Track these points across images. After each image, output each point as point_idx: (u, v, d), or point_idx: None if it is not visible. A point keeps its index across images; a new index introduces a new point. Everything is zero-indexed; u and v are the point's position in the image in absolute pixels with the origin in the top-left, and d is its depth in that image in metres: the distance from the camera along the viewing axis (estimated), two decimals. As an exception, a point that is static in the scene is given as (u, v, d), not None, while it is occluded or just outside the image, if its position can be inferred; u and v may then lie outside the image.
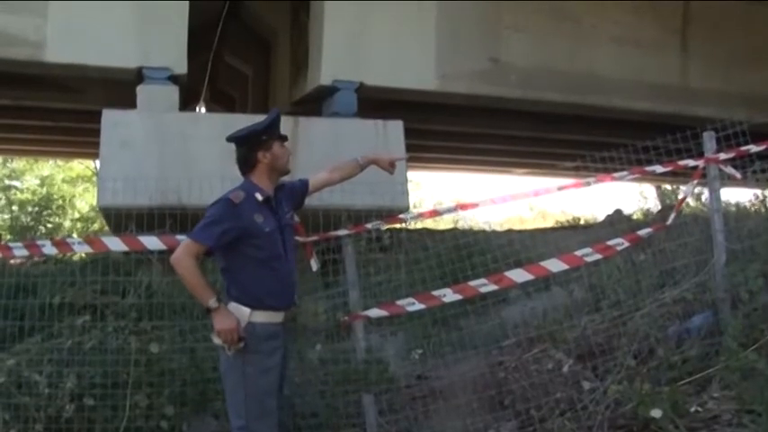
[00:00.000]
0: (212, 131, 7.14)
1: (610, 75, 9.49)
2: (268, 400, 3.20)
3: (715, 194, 4.63)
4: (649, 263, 4.94)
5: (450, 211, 4.83)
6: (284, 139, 3.43)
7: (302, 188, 3.69)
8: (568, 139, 12.64)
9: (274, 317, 3.26)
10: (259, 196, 3.32)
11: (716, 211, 4.61)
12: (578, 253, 4.39)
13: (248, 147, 3.32)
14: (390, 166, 3.93)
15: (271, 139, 3.35)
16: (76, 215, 22.51)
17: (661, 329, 4.43)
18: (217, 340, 3.17)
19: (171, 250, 4.76)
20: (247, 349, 3.14)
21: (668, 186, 16.58)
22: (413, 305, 4.47)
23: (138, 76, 7.58)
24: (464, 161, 16.26)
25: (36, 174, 22.86)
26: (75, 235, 17.97)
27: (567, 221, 15.23)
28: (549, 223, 16.56)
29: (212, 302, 3.12)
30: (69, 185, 23.16)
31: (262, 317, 3.21)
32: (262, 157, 3.33)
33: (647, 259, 5.01)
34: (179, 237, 4.54)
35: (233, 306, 3.19)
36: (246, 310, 3.18)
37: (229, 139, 3.37)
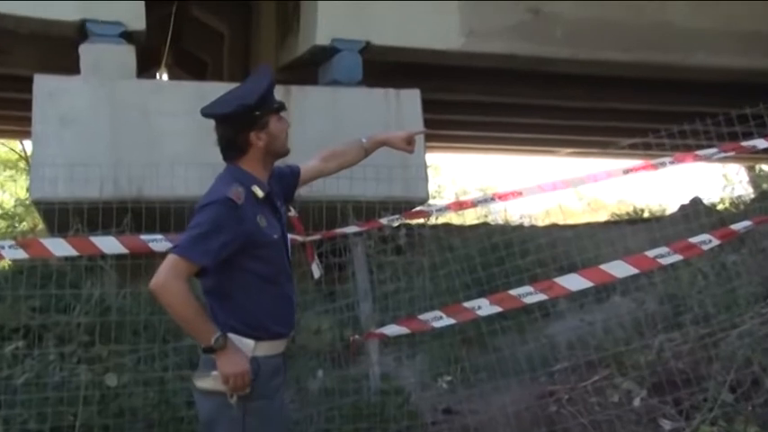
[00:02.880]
0: (180, 104, 7.13)
1: (687, 24, 9.42)
2: None
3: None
4: (747, 266, 4.89)
5: (484, 201, 4.77)
6: (281, 108, 3.21)
7: (292, 178, 3.48)
8: (630, 109, 12.66)
9: (278, 346, 3.11)
10: (258, 191, 3.11)
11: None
12: (650, 254, 4.33)
13: (236, 126, 3.10)
14: (408, 145, 3.75)
15: (266, 113, 3.14)
16: (-3, 211, 22.35)
17: (767, 354, 4.37)
18: (207, 384, 3.04)
19: (135, 255, 4.80)
20: (250, 394, 3.02)
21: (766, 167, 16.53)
22: (439, 320, 4.43)
23: (81, 31, 7.55)
24: (494, 140, 16.26)
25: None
26: (-2, 237, 17.93)
27: (628, 214, 15.17)
28: (603, 216, 16.51)
29: (217, 340, 2.92)
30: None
31: (265, 349, 3.05)
32: (255, 139, 3.08)
33: (742, 261, 4.96)
34: (144, 237, 4.54)
35: (231, 338, 2.97)
36: (249, 342, 3.01)
37: (208, 113, 3.14)
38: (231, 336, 2.96)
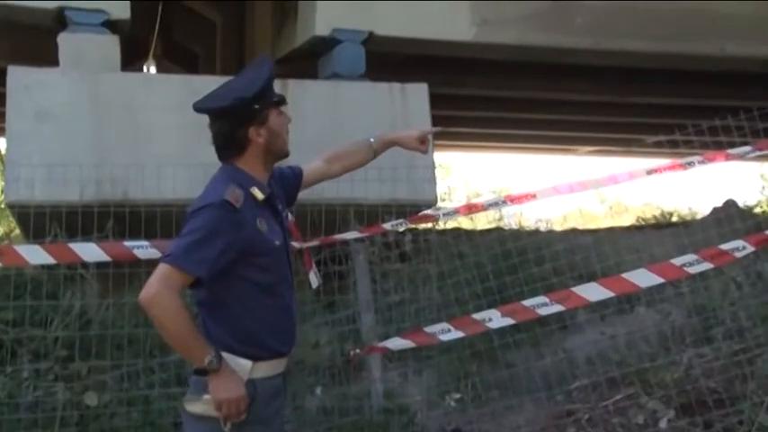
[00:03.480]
0: (168, 99, 7.12)
1: (719, 10, 9.37)
2: None
3: None
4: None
5: (496, 204, 4.75)
6: (282, 102, 3.14)
7: (294, 179, 3.43)
8: (656, 103, 12.64)
9: (277, 366, 3.04)
10: (258, 193, 3.05)
11: None
12: (677, 261, 4.28)
13: (233, 121, 3.06)
14: (421, 144, 3.73)
15: (265, 106, 3.08)
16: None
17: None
18: (197, 408, 3.01)
19: (118, 263, 4.80)
20: (246, 420, 2.98)
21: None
22: (447, 333, 4.40)
23: (60, 19, 7.52)
24: (508, 138, 16.28)
25: None
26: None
27: (655, 218, 15.14)
28: (628, 220, 16.46)
29: (211, 362, 2.85)
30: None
31: (264, 370, 2.99)
32: (255, 136, 3.03)
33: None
34: (128, 244, 4.54)
35: (225, 358, 2.88)
36: (246, 363, 2.94)
37: (201, 108, 3.10)
38: (225, 356, 2.89)
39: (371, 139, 3.61)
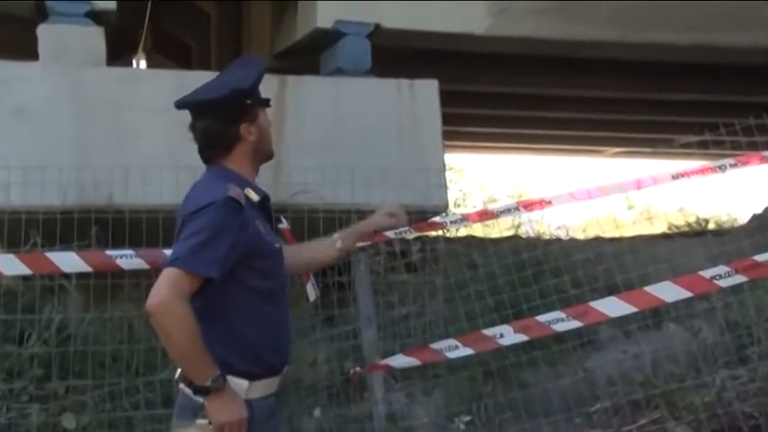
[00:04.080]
0: (158, 96, 7.07)
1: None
2: None
3: None
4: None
5: (507, 211, 4.75)
6: (267, 104, 3.20)
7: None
8: (688, 100, 12.61)
9: (272, 385, 3.04)
10: (253, 194, 3.07)
11: None
12: (707, 273, 4.26)
13: (225, 116, 3.08)
14: (394, 218, 3.81)
15: (255, 103, 3.14)
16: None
17: None
18: None
19: (98, 274, 4.80)
20: None
21: None
22: (455, 350, 4.43)
23: (39, 10, 7.53)
24: (526, 138, 16.27)
25: None
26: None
27: (689, 225, 15.08)
28: (660, 228, 16.41)
29: (216, 380, 2.82)
30: None
31: (260, 389, 2.99)
32: (246, 133, 3.07)
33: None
34: (110, 253, 4.54)
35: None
36: (243, 383, 2.93)
37: (189, 102, 3.10)
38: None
39: (336, 236, 3.66)
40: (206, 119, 3.06)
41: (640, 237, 11.56)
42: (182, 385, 2.89)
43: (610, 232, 14.96)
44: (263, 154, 3.18)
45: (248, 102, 3.09)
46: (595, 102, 12.89)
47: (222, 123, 3.05)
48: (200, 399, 2.83)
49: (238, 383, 2.90)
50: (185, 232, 2.87)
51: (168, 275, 2.77)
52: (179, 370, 2.91)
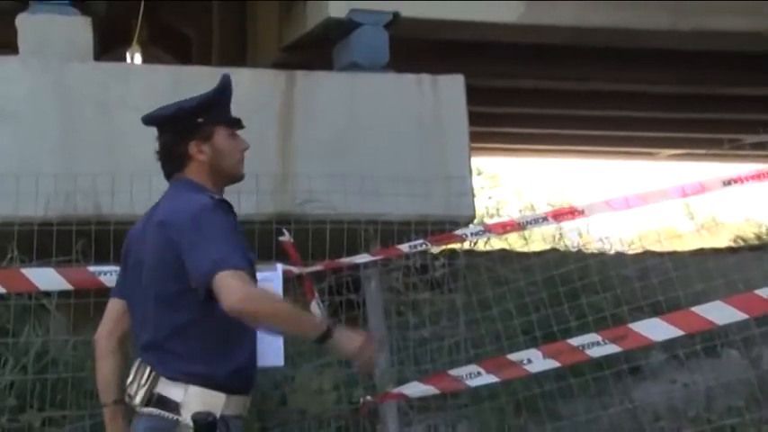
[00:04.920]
0: (151, 95, 7.03)
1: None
2: None
3: None
4: None
5: (534, 222, 4.78)
6: (236, 125, 3.49)
7: None
8: (752, 95, 12.57)
9: (244, 404, 3.28)
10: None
11: None
12: (764, 292, 4.24)
13: (175, 133, 3.39)
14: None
15: (210, 123, 3.41)
16: None
17: None
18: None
19: (80, 291, 4.83)
20: None
21: None
22: (477, 377, 4.44)
23: (20, -2, 7.61)
24: (569, 139, 16.18)
25: None
26: None
27: (759, 237, 14.95)
28: (724, 240, 16.29)
29: (325, 322, 3.18)
30: None
31: (234, 406, 3.20)
32: (196, 152, 3.37)
33: None
34: (93, 269, 4.60)
35: (195, 393, 3.12)
36: (220, 396, 3.15)
37: (148, 119, 3.43)
38: (195, 388, 3.09)
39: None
40: (164, 135, 3.40)
41: (700, 251, 11.48)
42: (147, 409, 3.10)
43: (665, 245, 14.85)
44: (223, 175, 3.44)
45: (199, 120, 3.35)
46: (646, 98, 12.84)
47: (175, 140, 3.36)
48: (174, 416, 3.05)
49: (215, 396, 3.10)
50: (195, 237, 3.08)
51: (225, 278, 2.98)
52: (140, 395, 3.11)
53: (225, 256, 3.03)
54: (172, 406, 3.08)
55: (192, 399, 3.09)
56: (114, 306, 3.40)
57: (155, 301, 3.18)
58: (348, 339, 3.12)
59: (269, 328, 3.17)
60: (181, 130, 3.37)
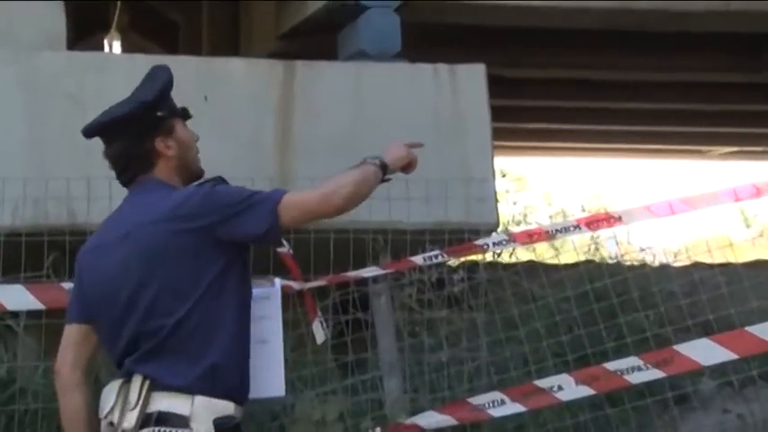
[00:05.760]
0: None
1: None
2: None
3: None
4: None
5: (564, 230, 4.79)
6: (185, 115, 3.57)
7: None
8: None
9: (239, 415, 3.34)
10: None
11: None
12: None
13: (135, 132, 3.43)
14: None
15: (169, 115, 3.50)
16: None
17: None
18: None
19: (51, 311, 4.82)
20: None
21: None
22: (500, 406, 4.46)
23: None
24: (606, 136, 16.21)
25: None
26: None
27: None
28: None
29: (375, 159, 3.44)
30: None
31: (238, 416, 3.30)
32: (163, 148, 3.46)
33: None
34: (67, 286, 4.60)
35: (200, 402, 3.18)
36: (228, 404, 3.23)
37: (93, 127, 3.47)
38: (200, 398, 3.14)
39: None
40: (118, 140, 3.43)
41: (756, 262, 11.45)
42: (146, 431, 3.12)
43: (716, 256, 14.83)
44: (187, 171, 3.55)
45: (159, 114, 3.44)
46: (693, 88, 12.84)
47: (136, 141, 3.43)
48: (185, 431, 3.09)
49: (225, 405, 3.18)
50: (227, 204, 3.26)
51: (292, 200, 3.27)
52: (130, 419, 3.12)
53: (270, 192, 3.28)
54: (179, 422, 3.12)
55: (201, 410, 3.14)
56: (73, 332, 3.42)
57: (155, 300, 3.22)
58: (396, 150, 3.52)
59: (363, 197, 3.37)
60: (142, 127, 3.42)
